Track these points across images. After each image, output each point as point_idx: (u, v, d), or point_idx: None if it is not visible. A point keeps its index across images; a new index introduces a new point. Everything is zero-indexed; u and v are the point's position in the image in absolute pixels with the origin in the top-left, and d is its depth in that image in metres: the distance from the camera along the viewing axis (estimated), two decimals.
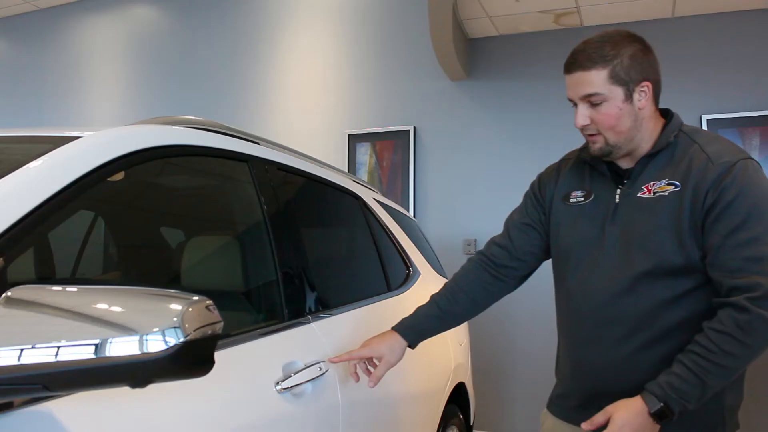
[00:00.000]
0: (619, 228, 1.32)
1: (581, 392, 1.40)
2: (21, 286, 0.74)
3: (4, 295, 0.73)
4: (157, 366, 0.69)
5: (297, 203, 1.85)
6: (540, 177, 1.56)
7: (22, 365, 0.69)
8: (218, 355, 0.79)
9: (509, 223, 1.57)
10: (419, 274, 2.44)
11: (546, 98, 3.94)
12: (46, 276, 1.26)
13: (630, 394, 1.22)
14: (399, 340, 1.49)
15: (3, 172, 0.96)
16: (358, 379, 1.49)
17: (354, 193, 2.24)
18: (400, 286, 2.26)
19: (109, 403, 0.92)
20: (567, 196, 1.44)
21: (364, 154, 4.33)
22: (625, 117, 1.29)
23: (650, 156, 1.32)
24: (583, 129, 1.33)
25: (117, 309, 0.73)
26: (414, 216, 4.00)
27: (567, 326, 1.44)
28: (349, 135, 4.36)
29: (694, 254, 1.23)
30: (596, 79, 1.27)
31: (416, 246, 2.59)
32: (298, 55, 4.62)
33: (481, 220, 3.95)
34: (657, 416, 1.17)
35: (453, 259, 3.67)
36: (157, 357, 0.69)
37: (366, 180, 3.70)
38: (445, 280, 2.73)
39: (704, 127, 3.63)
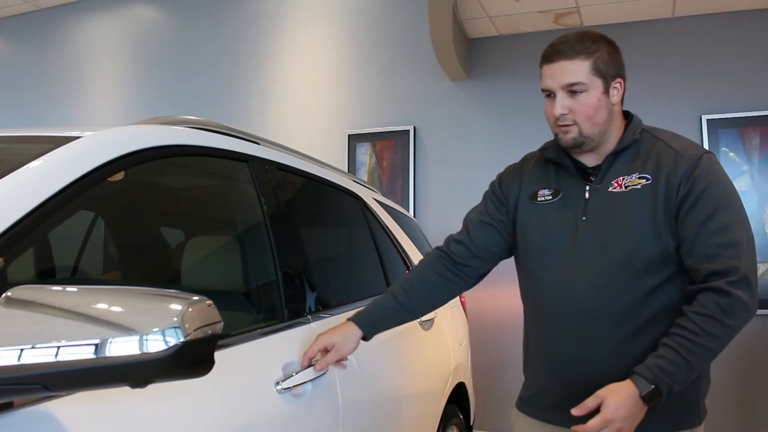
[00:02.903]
0: (591, 223, 1.34)
1: (560, 390, 1.39)
2: (21, 286, 0.74)
3: (4, 295, 0.73)
4: (157, 366, 0.69)
5: (297, 203, 1.85)
6: (501, 177, 1.56)
7: (22, 365, 0.69)
8: (218, 355, 0.79)
9: (468, 221, 1.57)
10: None
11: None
12: (46, 276, 1.26)
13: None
14: (354, 331, 1.47)
15: (3, 172, 0.96)
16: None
17: (354, 193, 2.24)
18: None
19: (109, 403, 0.92)
20: (534, 195, 1.45)
21: (364, 154, 4.33)
22: (602, 108, 1.33)
23: (617, 153, 1.37)
24: (559, 119, 1.35)
25: (117, 309, 0.73)
26: (414, 216, 4.00)
27: (543, 323, 1.43)
28: (349, 135, 4.36)
29: (669, 244, 1.28)
30: (580, 69, 1.31)
31: (416, 246, 2.59)
32: (298, 54, 4.62)
33: None
34: (647, 398, 1.19)
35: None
36: (157, 357, 0.69)
37: (366, 180, 3.70)
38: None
39: (704, 127, 3.64)
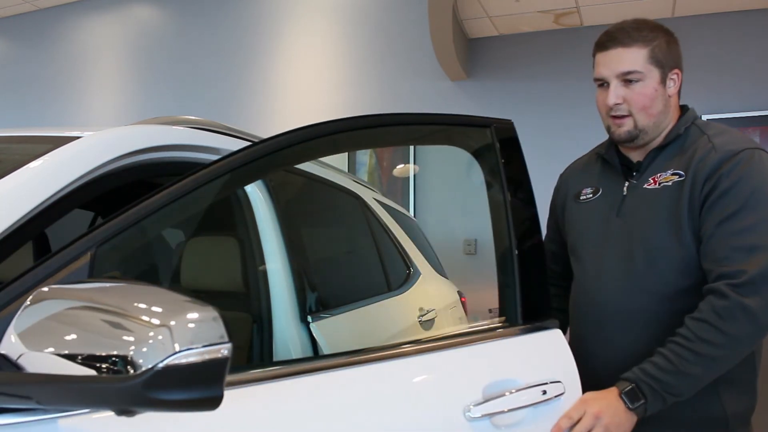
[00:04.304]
0: (622, 221, 1.30)
1: (585, 390, 1.36)
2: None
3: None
4: (127, 394, 0.56)
5: (297, 203, 1.84)
6: (555, 187, 1.57)
7: (18, 375, 0.65)
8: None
9: (546, 237, 1.53)
10: (419, 274, 2.43)
11: (546, 98, 3.94)
12: None
13: None
14: None
15: (3, 172, 0.96)
16: None
17: (354, 193, 2.24)
18: (401, 286, 2.26)
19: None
20: (578, 195, 1.44)
21: (364, 154, 4.32)
22: (658, 99, 1.27)
23: (660, 148, 1.30)
24: (612, 109, 1.29)
25: (110, 327, 0.62)
26: (414, 216, 4.00)
27: (573, 322, 1.41)
28: None
29: (692, 246, 1.20)
30: (637, 57, 1.26)
31: (416, 246, 2.59)
32: (298, 54, 4.62)
33: (481, 220, 3.93)
34: (627, 397, 1.12)
35: (453, 259, 3.67)
36: (127, 384, 0.56)
37: (366, 180, 3.70)
38: (445, 280, 2.73)
39: None
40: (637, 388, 1.12)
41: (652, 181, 1.28)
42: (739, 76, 3.65)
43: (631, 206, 1.30)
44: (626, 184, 1.33)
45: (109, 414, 0.66)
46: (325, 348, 1.51)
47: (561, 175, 1.56)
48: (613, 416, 1.11)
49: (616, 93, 1.27)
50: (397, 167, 4.25)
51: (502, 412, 1.05)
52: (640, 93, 1.26)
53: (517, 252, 1.25)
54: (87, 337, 0.61)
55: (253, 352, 1.40)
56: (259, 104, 4.67)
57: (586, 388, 1.32)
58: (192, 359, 0.56)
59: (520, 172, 1.34)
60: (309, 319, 1.54)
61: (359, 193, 2.28)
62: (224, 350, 0.57)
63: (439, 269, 2.76)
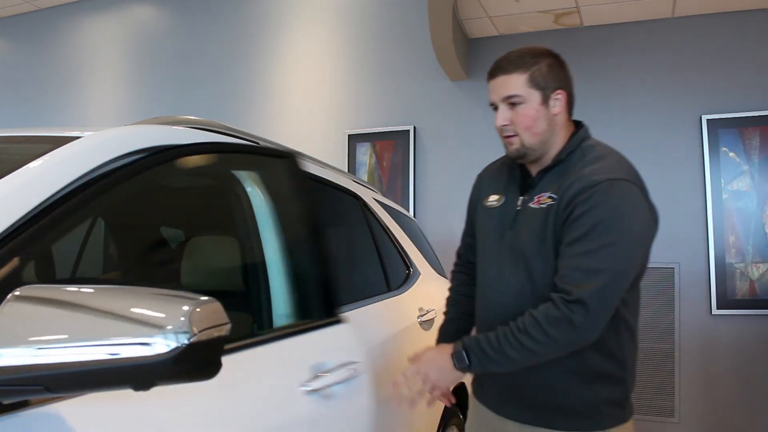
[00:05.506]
0: (512, 234, 1.45)
1: (488, 377, 1.51)
2: (28, 286, 0.73)
3: (11, 294, 0.72)
4: (160, 368, 0.68)
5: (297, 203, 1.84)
6: (473, 184, 1.69)
7: (23, 366, 0.68)
8: (232, 358, 0.78)
9: (464, 230, 1.71)
10: (419, 274, 2.44)
11: None
12: (46, 275, 1.26)
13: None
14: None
15: (3, 172, 0.96)
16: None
17: (354, 193, 2.24)
18: (401, 286, 2.26)
19: (122, 404, 0.91)
20: (486, 199, 1.56)
21: (364, 154, 4.33)
22: (541, 119, 1.40)
23: (547, 170, 1.44)
24: (502, 130, 1.43)
25: (121, 310, 0.71)
26: (414, 216, 4.00)
27: (478, 320, 1.55)
28: (349, 135, 4.36)
29: (554, 262, 1.36)
30: (517, 82, 1.40)
31: (416, 246, 2.59)
32: (298, 54, 4.62)
33: None
34: (457, 360, 1.36)
35: (453, 259, 3.67)
36: (160, 359, 0.67)
37: (366, 180, 3.70)
38: (445, 280, 2.73)
39: (704, 127, 3.64)
40: (466, 353, 1.35)
41: (536, 200, 1.42)
42: (739, 76, 3.65)
43: (519, 222, 1.44)
44: (520, 199, 1.46)
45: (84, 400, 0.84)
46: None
47: (479, 174, 1.68)
48: (440, 374, 1.40)
49: (502, 116, 1.42)
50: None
51: (327, 386, 1.34)
52: (523, 114, 1.40)
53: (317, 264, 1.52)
54: (101, 327, 0.70)
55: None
56: (260, 104, 4.67)
57: (490, 377, 1.51)
58: (205, 338, 0.70)
59: (310, 199, 1.65)
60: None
61: (359, 193, 2.28)
62: (226, 329, 0.73)
63: (439, 269, 2.76)
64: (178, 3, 5.06)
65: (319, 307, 1.57)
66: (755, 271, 3.54)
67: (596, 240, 1.29)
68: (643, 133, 3.72)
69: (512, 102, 1.40)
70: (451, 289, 1.73)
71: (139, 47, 5.15)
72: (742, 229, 3.58)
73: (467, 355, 1.35)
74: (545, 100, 1.40)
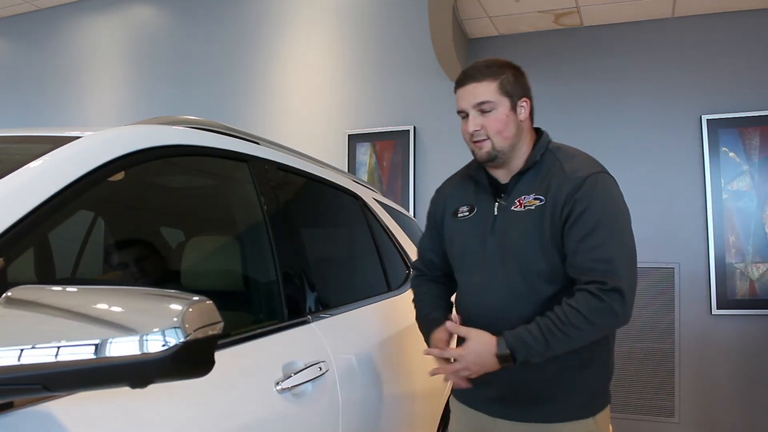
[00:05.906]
0: (496, 239, 1.49)
1: (479, 378, 1.51)
2: (21, 287, 0.74)
3: (4, 295, 0.73)
4: (157, 366, 0.69)
5: (297, 203, 1.85)
6: (431, 202, 1.73)
7: (21, 365, 0.69)
8: (219, 355, 0.79)
9: (421, 248, 1.76)
10: None
11: (545, 98, 3.94)
12: (46, 276, 1.26)
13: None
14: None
15: (3, 172, 0.96)
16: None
17: (354, 193, 2.24)
18: (400, 286, 2.26)
19: (109, 403, 0.92)
20: (456, 212, 1.61)
21: (364, 154, 4.33)
22: (511, 124, 1.48)
23: (521, 173, 1.51)
24: (473, 135, 1.49)
25: (117, 309, 0.73)
26: (414, 216, 4.00)
27: (468, 319, 1.53)
28: (349, 135, 4.36)
29: (556, 259, 1.43)
30: (488, 89, 1.47)
31: (416, 246, 2.59)
32: (298, 55, 4.62)
33: None
34: (500, 358, 1.37)
35: None
36: (156, 357, 0.69)
37: (366, 180, 3.70)
38: None
39: (704, 127, 3.64)
40: (512, 355, 1.37)
41: (518, 203, 1.48)
42: (739, 76, 3.65)
43: (502, 226, 1.49)
44: (496, 204, 1.52)
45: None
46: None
47: (438, 190, 1.73)
48: (481, 368, 1.41)
49: (474, 122, 1.48)
50: None
51: (297, 385, 1.33)
52: (494, 119, 1.47)
53: (280, 267, 1.52)
54: (90, 329, 0.71)
55: None
56: (260, 104, 4.67)
57: (480, 378, 1.52)
58: (201, 335, 0.72)
59: (278, 201, 1.64)
60: (309, 318, 1.55)
61: (359, 193, 2.28)
62: (219, 328, 0.75)
63: None
64: (178, 3, 5.06)
65: (293, 307, 1.55)
66: (755, 271, 3.54)
67: (605, 231, 1.39)
68: (643, 133, 3.71)
69: (483, 109, 1.47)
70: (423, 293, 1.70)
71: (139, 47, 5.15)
72: (742, 229, 3.58)
73: (513, 357, 1.37)
74: (513, 107, 1.49)
